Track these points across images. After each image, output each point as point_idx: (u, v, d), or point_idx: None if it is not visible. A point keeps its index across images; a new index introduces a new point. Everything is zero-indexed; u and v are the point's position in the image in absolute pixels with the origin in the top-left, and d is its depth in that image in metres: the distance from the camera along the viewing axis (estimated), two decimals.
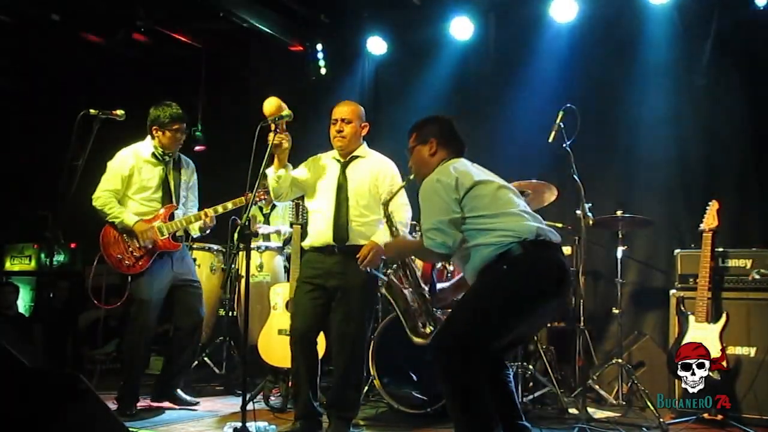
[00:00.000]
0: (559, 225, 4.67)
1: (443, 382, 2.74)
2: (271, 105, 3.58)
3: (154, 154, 4.31)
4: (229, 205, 4.33)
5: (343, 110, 3.79)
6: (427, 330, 3.07)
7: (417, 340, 3.18)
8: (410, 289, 3.13)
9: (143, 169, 4.28)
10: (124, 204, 4.26)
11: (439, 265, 4.60)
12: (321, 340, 4.13)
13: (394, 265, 3.26)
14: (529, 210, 2.96)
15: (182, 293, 4.36)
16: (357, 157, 3.81)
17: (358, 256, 3.55)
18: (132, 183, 4.26)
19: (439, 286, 3.20)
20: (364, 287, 3.67)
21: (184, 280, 4.37)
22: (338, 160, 3.81)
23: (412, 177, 3.21)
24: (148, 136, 4.34)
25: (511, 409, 2.87)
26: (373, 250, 3.54)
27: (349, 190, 3.73)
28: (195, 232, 4.46)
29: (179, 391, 4.44)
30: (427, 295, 3.12)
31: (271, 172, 3.71)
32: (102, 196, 4.21)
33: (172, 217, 4.30)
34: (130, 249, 4.20)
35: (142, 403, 4.38)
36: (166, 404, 4.41)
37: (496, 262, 2.77)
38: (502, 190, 2.95)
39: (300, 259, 3.94)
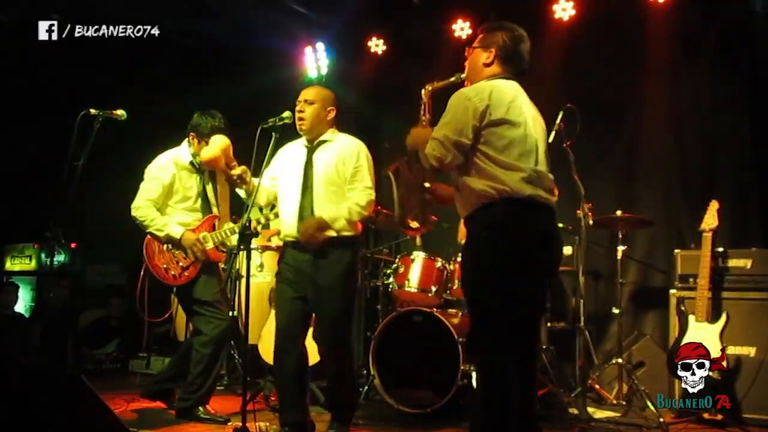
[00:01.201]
0: (560, 225, 4.67)
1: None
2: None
3: (192, 163, 4.17)
4: (272, 216, 4.16)
5: (306, 91, 3.65)
6: (413, 225, 3.00)
7: (403, 229, 3.21)
8: (414, 181, 3.00)
9: (185, 178, 4.14)
10: (164, 213, 4.11)
11: (439, 264, 4.61)
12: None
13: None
14: (542, 171, 2.81)
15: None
16: (324, 141, 3.67)
17: (299, 230, 3.47)
18: (174, 192, 4.12)
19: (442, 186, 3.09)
20: (340, 285, 3.54)
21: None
22: (306, 146, 3.68)
23: (463, 76, 3.00)
24: (185, 141, 4.20)
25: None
26: (316, 225, 3.46)
27: (315, 176, 3.59)
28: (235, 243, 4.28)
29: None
30: (426, 193, 2.99)
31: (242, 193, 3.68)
32: (142, 206, 4.05)
33: (213, 227, 4.17)
34: (176, 259, 4.07)
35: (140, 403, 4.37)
36: (158, 403, 4.34)
37: (476, 216, 2.73)
38: (526, 139, 2.76)
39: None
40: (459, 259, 4.43)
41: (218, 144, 3.72)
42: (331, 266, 3.53)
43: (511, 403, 2.63)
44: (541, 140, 2.86)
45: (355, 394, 3.77)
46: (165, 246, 4.08)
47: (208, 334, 4.02)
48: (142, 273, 4.13)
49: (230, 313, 5.42)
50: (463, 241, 3.29)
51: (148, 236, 4.11)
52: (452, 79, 3.04)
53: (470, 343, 2.81)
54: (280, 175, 3.72)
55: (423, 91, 3.06)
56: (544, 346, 4.75)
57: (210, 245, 4.08)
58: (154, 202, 4.06)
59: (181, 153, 4.19)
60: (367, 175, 3.61)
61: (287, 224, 3.64)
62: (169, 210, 4.13)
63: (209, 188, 4.23)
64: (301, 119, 3.59)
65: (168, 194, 4.12)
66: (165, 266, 4.08)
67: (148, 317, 4.32)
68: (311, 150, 3.65)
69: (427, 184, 2.98)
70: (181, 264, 4.06)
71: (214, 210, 4.23)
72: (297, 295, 3.58)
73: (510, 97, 2.77)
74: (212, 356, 4.03)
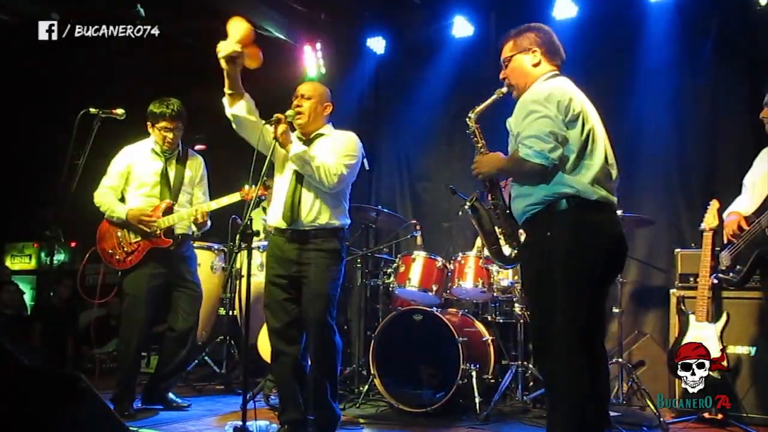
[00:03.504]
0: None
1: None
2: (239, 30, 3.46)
3: (153, 150, 4.29)
4: (224, 201, 4.24)
5: (303, 87, 3.69)
6: (511, 255, 2.93)
7: (500, 264, 3.10)
8: (496, 210, 2.91)
9: (142, 164, 4.26)
10: (125, 200, 4.27)
11: (439, 263, 4.61)
12: None
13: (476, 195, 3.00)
14: (608, 172, 2.74)
15: (177, 294, 4.29)
16: (320, 135, 3.68)
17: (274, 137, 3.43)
18: (131, 179, 4.26)
19: None
20: (325, 271, 3.52)
21: (182, 280, 4.29)
22: (300, 139, 3.67)
23: (505, 90, 2.94)
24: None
25: None
26: (286, 129, 3.45)
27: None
28: (195, 230, 4.36)
29: (170, 394, 4.39)
30: (511, 217, 2.89)
31: (226, 102, 3.59)
32: (100, 193, 4.24)
33: (168, 213, 4.21)
34: (122, 244, 4.20)
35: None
36: (158, 406, 4.36)
37: (539, 219, 2.66)
38: (594, 135, 2.72)
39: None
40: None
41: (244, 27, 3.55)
42: (314, 253, 3.53)
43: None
44: (604, 139, 2.81)
45: (332, 391, 3.59)
46: (114, 231, 4.22)
47: (121, 330, 4.22)
48: (86, 257, 4.40)
49: (231, 312, 5.50)
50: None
51: (103, 221, 4.28)
52: (494, 97, 3.00)
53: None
54: (276, 166, 3.71)
55: (468, 120, 3.01)
56: None
57: (159, 231, 4.16)
58: (112, 189, 4.26)
59: (146, 141, 4.34)
60: (347, 155, 3.57)
61: (273, 213, 3.65)
62: (129, 196, 4.28)
63: (172, 174, 4.31)
64: (298, 114, 3.62)
65: (126, 181, 4.27)
66: (111, 251, 4.22)
67: (92, 300, 4.53)
68: (307, 143, 3.64)
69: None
70: (126, 250, 4.19)
71: (171, 196, 4.27)
72: (287, 295, 3.58)
73: (577, 90, 2.79)
74: (123, 353, 4.18)
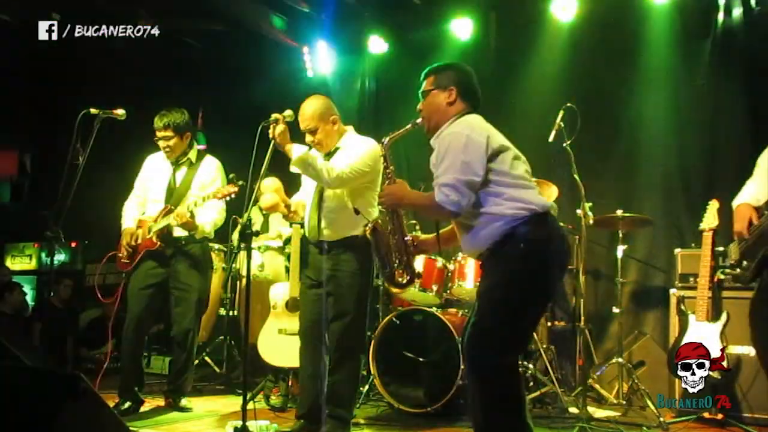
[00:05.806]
0: (560, 224, 4.68)
1: (481, 389, 2.66)
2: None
3: (164, 157, 4.39)
4: (210, 197, 4.16)
5: (302, 120, 3.58)
6: (403, 280, 2.97)
7: (392, 288, 3.12)
8: (394, 237, 2.96)
9: (155, 171, 4.42)
10: (147, 207, 4.43)
11: (439, 263, 4.61)
12: None
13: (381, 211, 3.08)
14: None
15: (173, 296, 4.31)
16: (337, 149, 3.67)
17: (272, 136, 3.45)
18: (148, 187, 4.42)
19: (421, 237, 3.13)
20: (351, 278, 3.56)
21: (178, 281, 4.29)
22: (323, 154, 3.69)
23: (419, 121, 2.96)
24: None
25: None
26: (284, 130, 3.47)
27: None
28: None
29: (184, 400, 4.38)
30: (410, 246, 2.97)
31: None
32: (126, 204, 4.47)
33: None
34: (128, 249, 4.33)
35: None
36: (158, 402, 4.47)
37: (509, 239, 2.68)
38: (517, 160, 2.82)
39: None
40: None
41: (273, 189, 3.82)
42: (339, 266, 3.58)
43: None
44: (524, 161, 2.89)
45: (351, 390, 3.67)
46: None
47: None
48: (103, 260, 4.67)
49: (231, 312, 5.50)
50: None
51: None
52: (408, 127, 3.00)
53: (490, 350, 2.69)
54: (306, 183, 3.79)
55: (380, 145, 3.03)
56: (544, 346, 4.76)
57: (149, 234, 4.28)
58: (137, 197, 4.47)
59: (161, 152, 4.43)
60: (355, 157, 3.53)
61: (306, 226, 3.72)
62: (147, 204, 4.43)
63: (179, 179, 4.36)
64: (318, 147, 3.59)
65: (146, 189, 4.45)
66: (119, 254, 4.41)
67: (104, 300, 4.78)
68: (326, 157, 3.66)
69: (409, 237, 2.98)
70: (128, 253, 4.36)
71: (172, 201, 4.30)
72: (318, 291, 3.64)
73: (491, 127, 2.85)
74: (122, 349, 4.30)
